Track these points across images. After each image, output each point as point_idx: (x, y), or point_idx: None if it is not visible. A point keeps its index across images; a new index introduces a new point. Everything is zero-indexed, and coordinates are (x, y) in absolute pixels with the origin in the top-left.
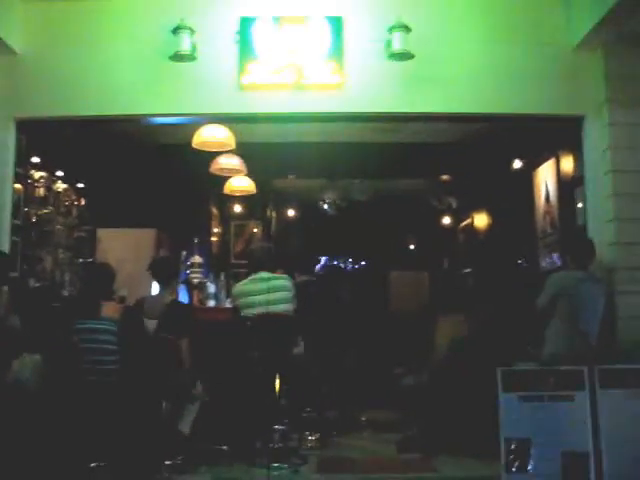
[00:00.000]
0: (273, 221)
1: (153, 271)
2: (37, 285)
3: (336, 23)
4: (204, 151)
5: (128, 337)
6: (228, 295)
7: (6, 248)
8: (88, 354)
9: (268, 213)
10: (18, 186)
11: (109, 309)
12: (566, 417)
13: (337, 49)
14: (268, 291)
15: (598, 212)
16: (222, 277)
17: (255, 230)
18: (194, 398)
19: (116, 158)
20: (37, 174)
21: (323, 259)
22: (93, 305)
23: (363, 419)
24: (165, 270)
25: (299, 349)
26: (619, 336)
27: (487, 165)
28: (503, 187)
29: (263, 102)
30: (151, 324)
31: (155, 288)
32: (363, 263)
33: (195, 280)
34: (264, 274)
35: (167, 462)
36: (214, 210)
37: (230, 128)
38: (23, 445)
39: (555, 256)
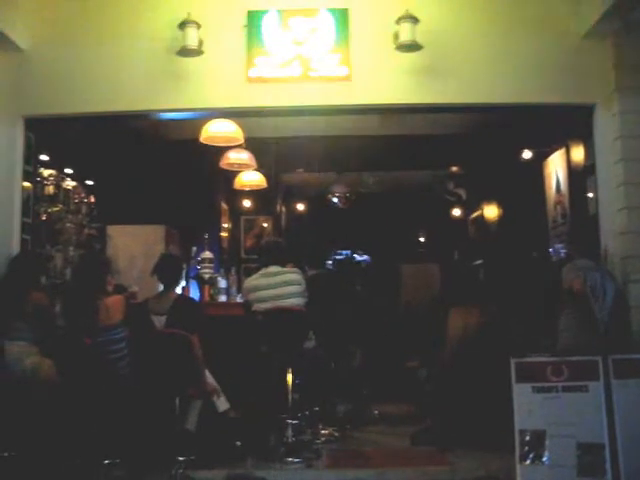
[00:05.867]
0: (283, 215)
1: (158, 275)
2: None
3: (342, 15)
4: (213, 146)
5: (136, 333)
6: (239, 290)
7: (16, 246)
8: (97, 351)
9: (278, 207)
10: (27, 184)
11: (115, 302)
12: (580, 408)
13: (344, 41)
14: (279, 285)
15: (609, 201)
16: (233, 272)
17: (265, 225)
18: (207, 393)
19: (125, 155)
20: (46, 172)
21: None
22: (90, 299)
23: (376, 412)
24: (169, 271)
25: (311, 343)
26: (632, 325)
27: (497, 156)
28: (513, 178)
29: (270, 95)
30: (159, 320)
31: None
32: (374, 256)
33: (206, 275)
34: (275, 268)
35: (181, 458)
36: (224, 205)
37: (239, 123)
38: (36, 442)
39: (558, 246)
